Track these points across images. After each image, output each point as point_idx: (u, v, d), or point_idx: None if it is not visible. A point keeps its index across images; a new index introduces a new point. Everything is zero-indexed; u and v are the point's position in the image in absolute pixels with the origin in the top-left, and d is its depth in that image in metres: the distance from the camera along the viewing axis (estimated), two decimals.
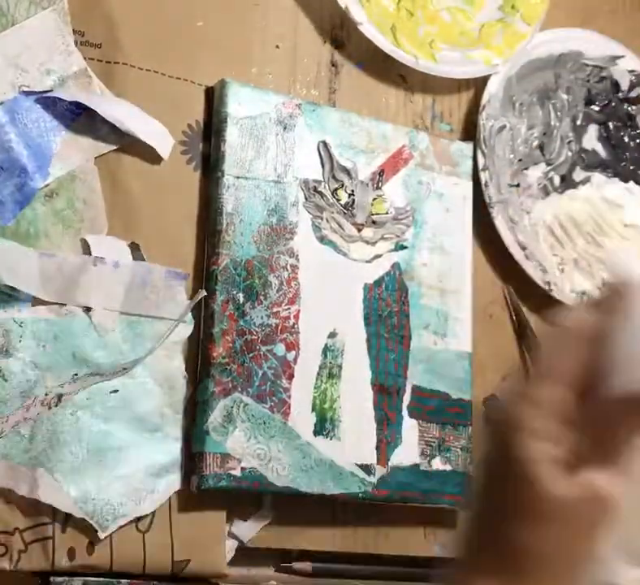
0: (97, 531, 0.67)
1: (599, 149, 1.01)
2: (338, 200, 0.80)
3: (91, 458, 0.67)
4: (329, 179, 0.80)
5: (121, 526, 0.68)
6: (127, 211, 0.73)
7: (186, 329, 0.73)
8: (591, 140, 1.01)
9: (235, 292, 0.74)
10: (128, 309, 0.70)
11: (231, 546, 0.73)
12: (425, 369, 0.82)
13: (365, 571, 0.79)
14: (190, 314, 0.72)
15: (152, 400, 0.71)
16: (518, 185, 0.94)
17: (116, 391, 0.69)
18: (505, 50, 0.90)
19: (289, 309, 0.76)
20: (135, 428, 0.70)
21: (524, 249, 0.91)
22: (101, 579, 0.68)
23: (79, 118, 0.71)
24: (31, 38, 0.71)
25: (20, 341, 0.67)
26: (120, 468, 0.68)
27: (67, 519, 0.67)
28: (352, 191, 0.81)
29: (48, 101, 0.70)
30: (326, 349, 0.77)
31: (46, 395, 0.67)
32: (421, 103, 0.90)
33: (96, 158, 0.72)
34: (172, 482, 0.71)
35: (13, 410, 0.66)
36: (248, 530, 0.74)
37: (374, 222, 0.82)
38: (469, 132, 0.91)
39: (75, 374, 0.68)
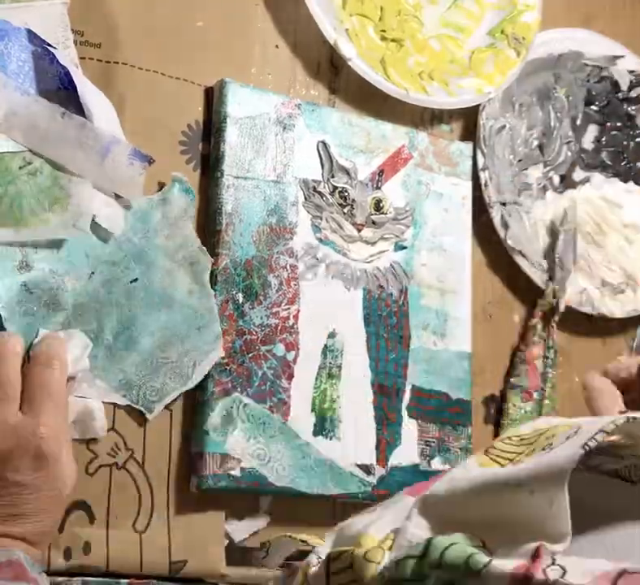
0: (146, 415, 0.70)
1: (599, 149, 1.01)
2: (337, 200, 0.80)
3: (127, 347, 0.69)
4: (328, 179, 0.80)
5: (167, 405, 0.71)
6: None
7: (186, 200, 0.73)
8: (591, 140, 1.01)
9: (234, 292, 0.74)
10: (79, 170, 0.68)
11: (229, 546, 0.73)
12: (424, 369, 0.82)
13: None
14: (189, 186, 0.74)
15: (175, 280, 0.72)
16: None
17: (136, 279, 0.70)
18: (496, 78, 0.90)
19: (289, 309, 0.76)
20: (165, 311, 0.71)
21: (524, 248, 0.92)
22: (100, 579, 0.67)
23: None
24: (34, 19, 0.70)
25: (36, 253, 0.67)
26: (157, 352, 0.70)
27: (63, 519, 0.66)
28: (352, 191, 0.81)
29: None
30: (325, 349, 0.77)
31: None
32: None
33: None
34: (213, 354, 0.72)
35: (39, 320, 0.66)
36: (247, 530, 0.74)
37: (373, 222, 0.82)
38: (469, 132, 0.91)
39: (92, 273, 0.69)
